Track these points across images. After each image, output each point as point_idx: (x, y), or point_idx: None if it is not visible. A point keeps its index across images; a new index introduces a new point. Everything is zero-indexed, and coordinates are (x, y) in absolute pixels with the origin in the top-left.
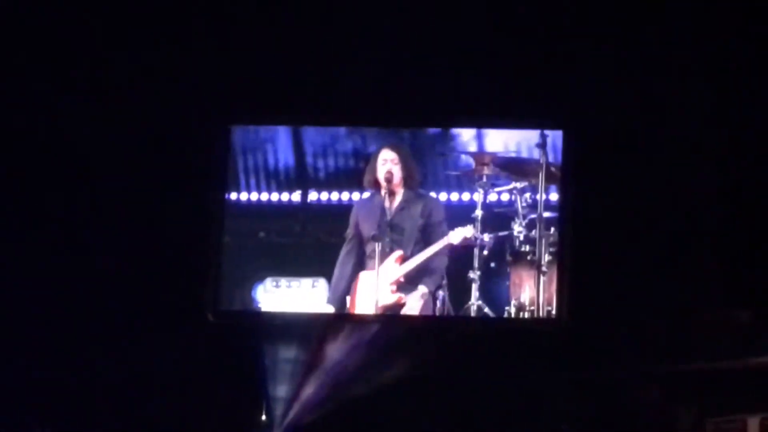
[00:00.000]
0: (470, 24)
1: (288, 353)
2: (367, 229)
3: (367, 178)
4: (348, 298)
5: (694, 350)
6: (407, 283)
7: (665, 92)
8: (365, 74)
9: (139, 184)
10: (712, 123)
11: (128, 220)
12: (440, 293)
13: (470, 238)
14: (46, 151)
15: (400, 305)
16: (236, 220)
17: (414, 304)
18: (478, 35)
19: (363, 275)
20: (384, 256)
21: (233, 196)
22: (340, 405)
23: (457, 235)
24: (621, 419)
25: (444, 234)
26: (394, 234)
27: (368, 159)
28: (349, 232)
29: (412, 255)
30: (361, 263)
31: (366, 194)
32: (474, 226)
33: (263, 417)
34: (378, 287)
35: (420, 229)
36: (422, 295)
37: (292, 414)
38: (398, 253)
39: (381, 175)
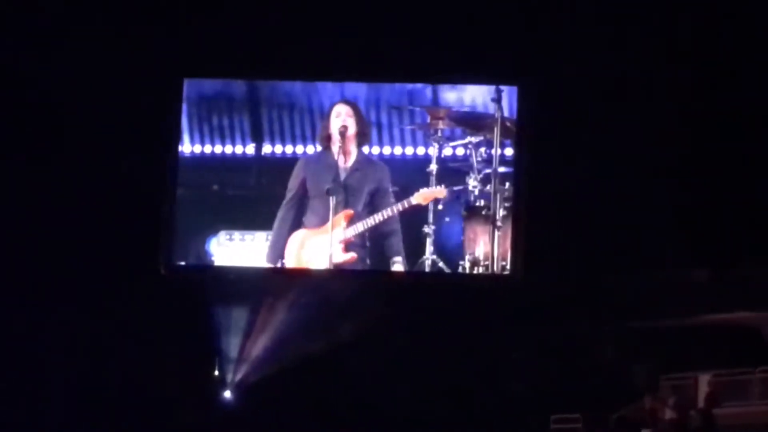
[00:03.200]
0: None
1: (241, 308)
2: (318, 186)
3: (321, 134)
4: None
5: (649, 308)
6: (358, 244)
7: (620, 49)
8: (321, 29)
9: (92, 136)
10: (668, 78)
11: (81, 172)
12: None
13: (443, 199)
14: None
15: (351, 264)
16: (190, 173)
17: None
18: None
19: (299, 233)
20: (334, 213)
21: (187, 149)
22: (292, 361)
23: (425, 196)
24: (576, 375)
25: (389, 203)
26: (347, 193)
27: (322, 112)
28: (291, 189)
29: (360, 216)
30: (298, 221)
31: (312, 151)
32: (444, 187)
33: (216, 372)
34: (331, 244)
35: (370, 193)
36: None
37: (244, 370)
38: (348, 212)
39: (335, 129)
